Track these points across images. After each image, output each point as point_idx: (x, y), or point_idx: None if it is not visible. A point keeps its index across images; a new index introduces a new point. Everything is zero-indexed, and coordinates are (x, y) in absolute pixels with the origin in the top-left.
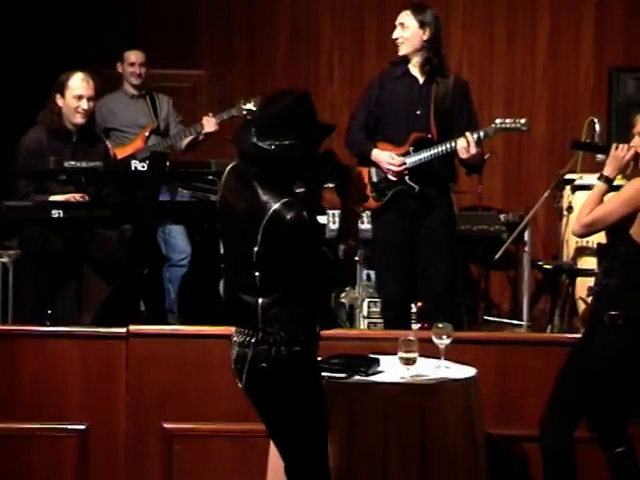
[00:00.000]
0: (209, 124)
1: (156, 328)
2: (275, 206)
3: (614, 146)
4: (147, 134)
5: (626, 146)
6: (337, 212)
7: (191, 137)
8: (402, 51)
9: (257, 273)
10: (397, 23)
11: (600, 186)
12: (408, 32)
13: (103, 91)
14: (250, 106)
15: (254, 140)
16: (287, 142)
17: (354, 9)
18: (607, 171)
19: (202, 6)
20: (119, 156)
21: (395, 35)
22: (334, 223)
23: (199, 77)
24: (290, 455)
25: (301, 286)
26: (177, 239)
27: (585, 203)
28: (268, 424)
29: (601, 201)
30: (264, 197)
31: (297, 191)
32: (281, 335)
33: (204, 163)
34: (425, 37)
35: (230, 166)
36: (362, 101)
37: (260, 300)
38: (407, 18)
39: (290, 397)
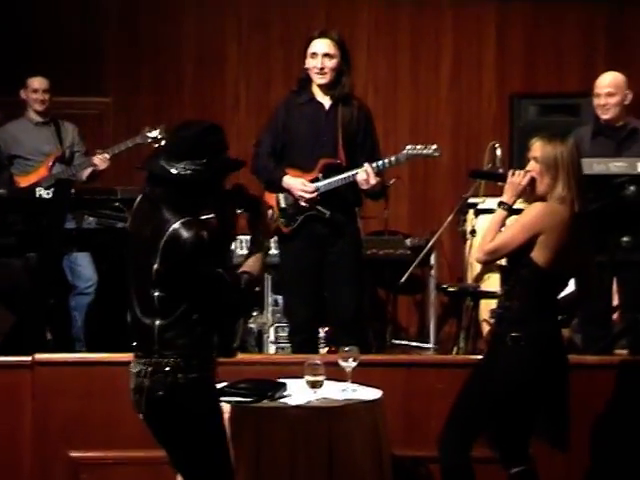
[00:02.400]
0: (100, 161)
1: (61, 356)
2: (175, 224)
3: (510, 172)
4: (51, 162)
5: (522, 172)
6: (247, 238)
7: (91, 169)
8: (324, 80)
9: (156, 293)
10: (321, 53)
11: (500, 212)
12: (334, 62)
13: (7, 118)
14: (155, 134)
15: (162, 163)
16: (193, 167)
17: (260, 38)
18: (506, 197)
19: (108, 33)
20: (23, 184)
21: (320, 65)
22: (241, 249)
23: (105, 105)
24: None
25: (198, 309)
26: (83, 267)
27: (487, 230)
28: (169, 453)
29: (502, 227)
30: (166, 216)
31: (205, 217)
32: (177, 361)
33: (110, 190)
34: (344, 66)
35: (142, 193)
36: (268, 127)
37: (157, 322)
38: (333, 48)
39: (188, 425)
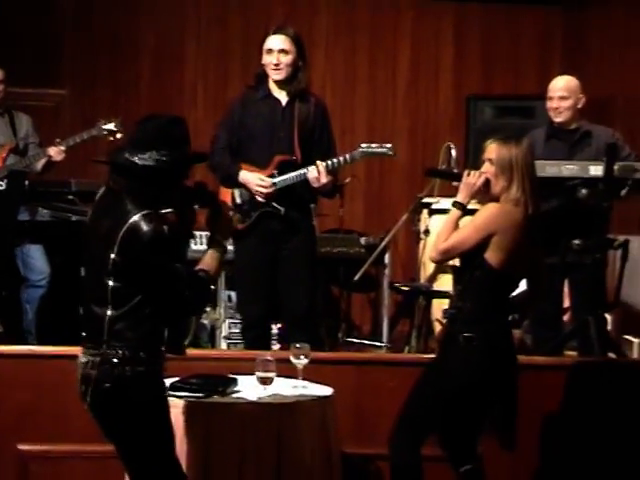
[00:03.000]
0: (55, 152)
1: (12, 349)
2: (135, 217)
3: (466, 173)
4: (5, 153)
5: (477, 173)
6: (205, 234)
7: (45, 160)
8: (279, 76)
9: (110, 282)
10: (277, 49)
11: (454, 212)
12: (289, 58)
13: None
14: (111, 126)
15: (125, 155)
16: (157, 157)
17: (218, 34)
18: (460, 197)
19: (65, 25)
20: None
21: (275, 61)
22: (197, 244)
23: (61, 96)
24: (136, 474)
25: (151, 303)
26: (36, 259)
27: (441, 230)
28: (115, 445)
29: (456, 227)
30: (128, 207)
31: (165, 211)
32: (125, 354)
33: (64, 183)
34: (300, 61)
35: (105, 185)
36: (224, 123)
37: (109, 312)
38: (288, 44)
39: (133, 418)
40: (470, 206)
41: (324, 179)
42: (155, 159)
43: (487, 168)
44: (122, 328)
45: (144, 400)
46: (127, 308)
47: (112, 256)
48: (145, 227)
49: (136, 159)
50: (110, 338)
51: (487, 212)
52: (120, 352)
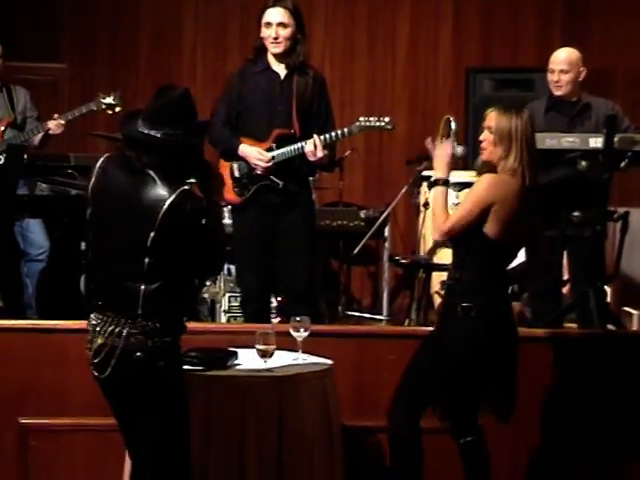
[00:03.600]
0: (55, 126)
1: (12, 323)
2: (173, 195)
3: (430, 144)
4: (3, 127)
5: (444, 142)
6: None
7: (42, 133)
8: (278, 49)
9: (147, 259)
10: (275, 22)
11: (440, 190)
12: (288, 31)
13: None
14: (109, 100)
15: (144, 130)
16: (180, 132)
17: (217, 6)
18: (439, 173)
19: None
20: None
21: (274, 34)
22: None
23: (61, 71)
24: (151, 446)
25: (184, 275)
26: (35, 233)
27: (436, 211)
28: (128, 415)
29: (446, 202)
30: (162, 186)
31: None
32: (156, 325)
33: (63, 156)
34: (298, 34)
35: (107, 156)
36: (222, 97)
37: (143, 286)
38: (287, 17)
39: (160, 387)
40: (468, 179)
41: (320, 153)
42: (179, 134)
43: (486, 136)
44: (156, 301)
45: (170, 370)
46: (162, 282)
47: (152, 234)
48: (187, 204)
49: (161, 134)
50: (145, 311)
51: (483, 183)
52: (152, 324)
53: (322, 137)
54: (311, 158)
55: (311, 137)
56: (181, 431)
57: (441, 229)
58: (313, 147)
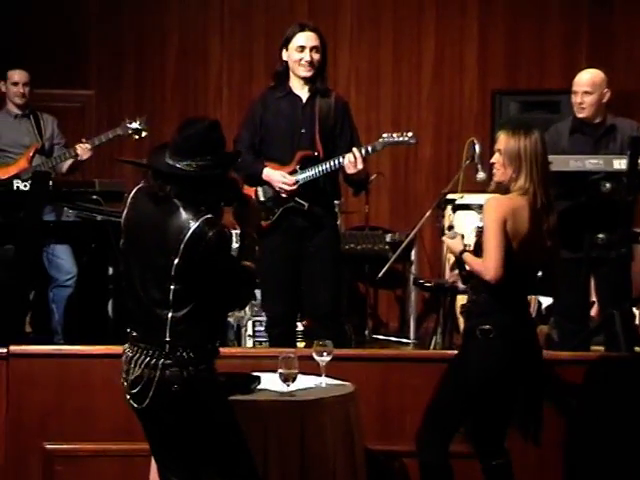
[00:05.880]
0: (82, 151)
1: (37, 348)
2: (197, 223)
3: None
4: (31, 154)
5: (452, 235)
6: (235, 232)
7: (71, 160)
8: (310, 73)
9: (172, 286)
10: (309, 46)
11: (465, 255)
12: (320, 55)
13: None
14: (136, 125)
15: (170, 161)
16: (203, 163)
17: (242, 32)
18: (456, 251)
19: (91, 26)
20: (3, 176)
21: (308, 58)
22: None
23: (88, 97)
24: (219, 475)
25: (211, 302)
26: (62, 259)
27: (472, 265)
28: (172, 442)
29: (476, 249)
30: (185, 214)
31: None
32: (189, 354)
33: (89, 183)
34: (322, 58)
35: (138, 187)
36: (245, 123)
37: (170, 314)
38: (319, 42)
39: (205, 415)
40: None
41: (360, 165)
42: (201, 165)
43: (496, 158)
44: (185, 329)
45: (212, 397)
46: (188, 309)
47: (175, 262)
48: (210, 232)
49: (183, 165)
50: (174, 339)
51: (490, 206)
52: (185, 354)
53: (360, 149)
54: (351, 170)
55: (335, 157)
56: (241, 453)
57: (485, 269)
58: (353, 158)
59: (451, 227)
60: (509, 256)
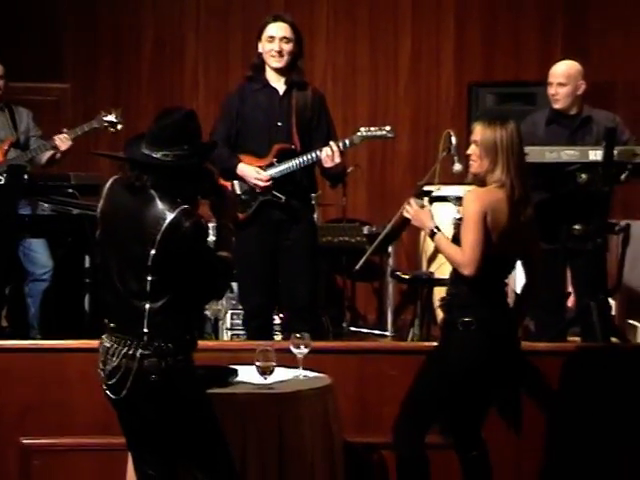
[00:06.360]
0: (61, 142)
1: (13, 343)
2: (174, 213)
3: (406, 206)
4: (6, 147)
5: (417, 203)
6: (212, 225)
7: (50, 152)
8: (280, 64)
9: (149, 277)
10: (278, 36)
11: (438, 236)
12: (291, 45)
13: None
14: (111, 118)
15: (146, 151)
16: (180, 152)
17: (219, 27)
18: (427, 227)
19: (66, 19)
20: None
21: (277, 48)
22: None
23: (63, 90)
24: (195, 465)
25: (188, 293)
26: (38, 253)
27: (447, 252)
28: (147, 433)
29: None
30: (162, 205)
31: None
32: (167, 345)
33: (64, 176)
34: (298, 50)
35: (114, 178)
36: (221, 116)
37: (147, 305)
38: (290, 32)
39: (183, 409)
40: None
41: (337, 158)
42: (178, 155)
43: (473, 150)
44: (162, 320)
45: (191, 389)
46: (165, 300)
47: (152, 252)
48: (186, 223)
49: (160, 155)
50: (152, 330)
51: (468, 198)
52: (163, 344)
53: (337, 143)
54: (328, 164)
55: (312, 150)
56: (215, 440)
57: (463, 262)
58: (331, 152)
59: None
60: (488, 249)
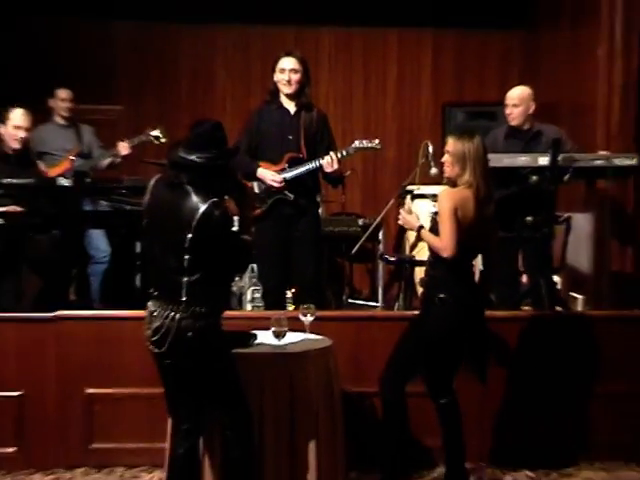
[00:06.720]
0: (122, 148)
1: (80, 313)
2: (206, 204)
3: (401, 213)
4: (73, 157)
5: (404, 210)
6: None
7: (110, 159)
8: (290, 90)
9: (186, 256)
10: (288, 68)
11: (422, 232)
12: (298, 76)
13: (35, 122)
14: (156, 133)
15: (182, 154)
16: (209, 155)
17: (242, 57)
18: (416, 224)
19: (120, 54)
20: (51, 174)
21: (287, 77)
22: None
23: (118, 111)
24: (218, 404)
25: (217, 269)
26: (98, 241)
27: (430, 241)
28: (182, 381)
29: (431, 231)
30: (196, 198)
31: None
32: (201, 310)
33: (119, 179)
34: (305, 79)
35: (156, 178)
36: (244, 131)
37: (185, 279)
38: (298, 65)
39: (212, 359)
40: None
41: (336, 165)
42: (208, 157)
43: (446, 158)
44: (197, 290)
45: (218, 343)
46: (199, 275)
47: (189, 236)
48: (216, 212)
49: (194, 157)
50: (188, 298)
51: (443, 197)
52: (198, 309)
53: (336, 153)
54: (328, 169)
55: (316, 159)
56: (235, 384)
57: (442, 247)
58: (330, 160)
59: (410, 212)
60: (459, 237)
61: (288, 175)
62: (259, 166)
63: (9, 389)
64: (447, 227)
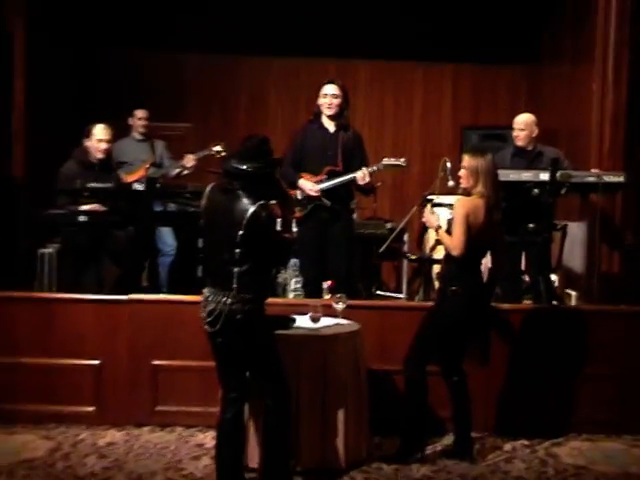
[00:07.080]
0: (189, 160)
1: (150, 297)
2: (255, 206)
3: (425, 214)
4: (147, 166)
5: (427, 210)
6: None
7: (179, 169)
8: (331, 112)
9: (237, 250)
10: (330, 94)
11: (440, 232)
12: (338, 100)
13: (116, 136)
14: (218, 148)
15: (235, 164)
16: (258, 165)
17: (292, 83)
18: (435, 224)
19: (190, 81)
20: (129, 180)
21: (329, 102)
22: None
23: (187, 128)
24: (261, 376)
25: (263, 261)
26: (167, 237)
27: (444, 241)
28: (231, 356)
29: (446, 231)
30: (246, 201)
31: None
32: (249, 296)
33: (184, 185)
34: (344, 104)
35: (212, 185)
36: (290, 147)
37: (236, 269)
38: (338, 91)
39: (257, 337)
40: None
41: (368, 178)
42: (256, 166)
43: (462, 173)
44: (246, 279)
45: (263, 325)
46: (248, 266)
47: (240, 233)
48: (263, 213)
49: (245, 167)
50: (238, 285)
51: (458, 204)
52: (246, 295)
53: (366, 168)
54: (360, 182)
55: (351, 172)
56: (277, 360)
57: (453, 247)
58: (362, 174)
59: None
60: (470, 239)
61: (324, 185)
62: (300, 177)
63: (90, 358)
64: (458, 230)
